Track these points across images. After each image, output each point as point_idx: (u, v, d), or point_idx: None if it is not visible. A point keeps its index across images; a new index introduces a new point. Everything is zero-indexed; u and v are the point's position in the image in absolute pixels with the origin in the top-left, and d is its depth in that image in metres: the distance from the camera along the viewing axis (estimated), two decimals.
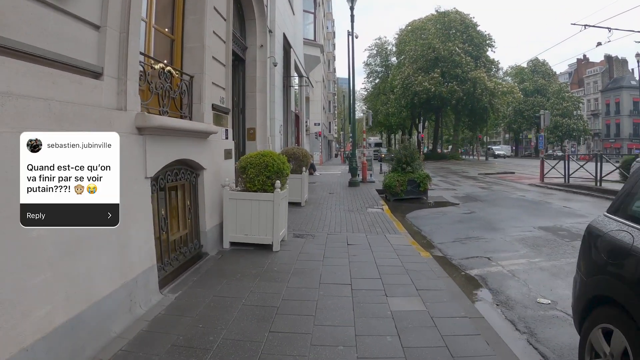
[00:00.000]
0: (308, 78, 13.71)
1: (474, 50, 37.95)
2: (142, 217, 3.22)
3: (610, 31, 15.56)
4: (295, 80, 13.62)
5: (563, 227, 7.08)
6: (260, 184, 4.84)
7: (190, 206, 4.36)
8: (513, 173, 20.59)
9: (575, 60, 66.11)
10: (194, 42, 4.61)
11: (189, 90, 4.51)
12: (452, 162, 34.56)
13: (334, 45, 55.69)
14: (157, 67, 3.86)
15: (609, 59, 59.77)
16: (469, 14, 39.90)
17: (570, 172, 13.79)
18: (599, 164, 12.34)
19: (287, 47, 11.51)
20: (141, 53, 3.44)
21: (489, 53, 40.11)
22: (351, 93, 13.96)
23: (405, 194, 10.71)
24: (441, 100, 37.29)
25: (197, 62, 4.61)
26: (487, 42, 39.85)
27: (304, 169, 8.89)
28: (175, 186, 4.10)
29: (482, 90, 35.79)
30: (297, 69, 13.80)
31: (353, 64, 13.47)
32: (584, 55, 65.07)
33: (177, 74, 4.21)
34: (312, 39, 16.87)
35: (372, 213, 8.18)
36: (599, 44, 19.57)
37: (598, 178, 12.37)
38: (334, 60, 58.23)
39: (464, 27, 38.77)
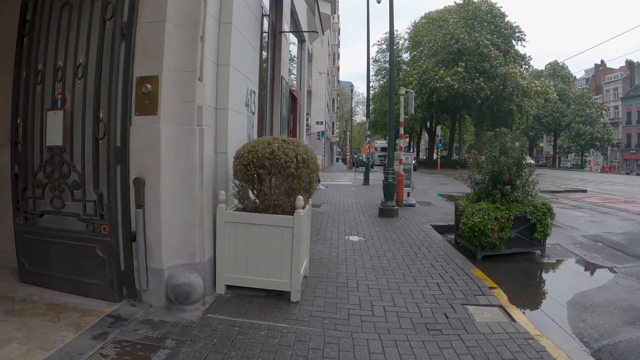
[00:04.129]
0: (320, 15, 8.15)
1: (502, 43, 32.48)
2: None
3: None
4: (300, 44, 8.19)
5: None
6: None
7: None
8: (585, 191, 15.20)
9: (593, 66, 61.27)
10: None
11: None
12: None
13: (339, 41, 50.25)
14: None
15: (630, 64, 55.20)
16: (495, 2, 34.60)
17: None
18: None
19: None
20: None
21: (519, 47, 34.68)
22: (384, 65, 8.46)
23: (506, 246, 5.27)
24: (463, 100, 31.65)
25: None
26: (517, 34, 34.42)
27: (300, 197, 3.41)
28: None
29: (513, 88, 30.32)
30: (294, 19, 8.37)
31: (391, 18, 8.04)
32: (602, 61, 60.34)
33: None
34: None
35: (501, 351, 2.72)
36: None
37: None
38: (338, 58, 52.76)
39: (492, 17, 33.31)
